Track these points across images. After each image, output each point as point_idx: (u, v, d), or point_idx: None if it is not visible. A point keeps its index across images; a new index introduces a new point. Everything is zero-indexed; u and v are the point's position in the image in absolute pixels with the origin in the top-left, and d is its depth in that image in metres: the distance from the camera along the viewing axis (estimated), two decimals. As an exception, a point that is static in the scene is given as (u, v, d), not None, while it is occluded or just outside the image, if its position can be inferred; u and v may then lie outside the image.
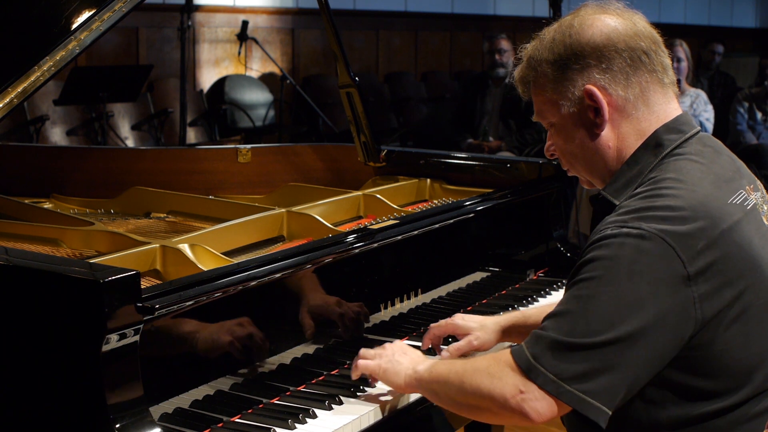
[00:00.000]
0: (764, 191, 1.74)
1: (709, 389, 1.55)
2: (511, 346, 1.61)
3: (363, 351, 1.92)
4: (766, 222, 1.67)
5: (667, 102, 1.70)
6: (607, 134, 1.69)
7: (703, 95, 5.84)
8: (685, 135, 1.68)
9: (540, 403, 1.50)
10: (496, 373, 1.56)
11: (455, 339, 2.14)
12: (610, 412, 1.49)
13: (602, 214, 1.68)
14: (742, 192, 1.64)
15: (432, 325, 2.15)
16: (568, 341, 1.49)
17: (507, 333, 2.11)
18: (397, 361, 1.84)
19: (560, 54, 1.69)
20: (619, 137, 1.69)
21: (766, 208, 1.70)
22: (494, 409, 1.57)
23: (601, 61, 1.66)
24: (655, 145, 1.67)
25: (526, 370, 1.52)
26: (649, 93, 1.68)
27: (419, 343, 2.17)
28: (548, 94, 1.72)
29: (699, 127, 1.74)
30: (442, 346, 2.15)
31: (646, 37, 1.68)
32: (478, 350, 2.11)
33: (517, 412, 1.52)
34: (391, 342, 1.95)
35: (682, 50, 5.77)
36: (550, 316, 1.55)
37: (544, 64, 1.71)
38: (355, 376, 1.91)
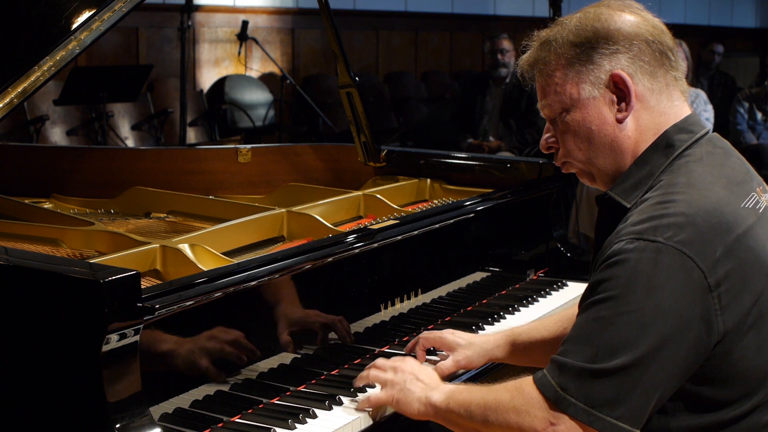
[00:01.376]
0: None
1: (723, 397, 1.53)
2: (533, 374, 1.58)
3: (374, 374, 1.87)
4: None
5: (682, 102, 1.70)
6: (628, 124, 1.66)
7: (702, 95, 5.84)
8: (696, 135, 1.66)
9: None
10: (522, 407, 1.54)
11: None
12: (638, 431, 1.48)
13: (608, 215, 1.65)
14: (753, 195, 1.62)
15: (422, 335, 2.12)
16: (593, 368, 1.47)
17: (496, 353, 2.07)
18: (409, 389, 1.79)
19: (588, 37, 1.66)
20: (639, 129, 1.66)
21: None
22: None
23: (630, 49, 1.64)
24: (665, 145, 1.65)
25: (554, 401, 1.50)
26: (671, 89, 1.67)
27: (402, 352, 2.16)
28: (570, 75, 1.67)
29: (708, 128, 1.71)
30: (428, 357, 2.11)
31: (670, 38, 1.68)
32: (466, 369, 2.08)
33: None
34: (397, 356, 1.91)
35: (682, 50, 5.77)
36: (570, 341, 1.52)
37: (567, 46, 1.67)
38: (364, 406, 1.86)
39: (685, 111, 1.69)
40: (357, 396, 1.90)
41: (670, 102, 1.67)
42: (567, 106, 1.69)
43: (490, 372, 2.16)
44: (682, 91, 1.70)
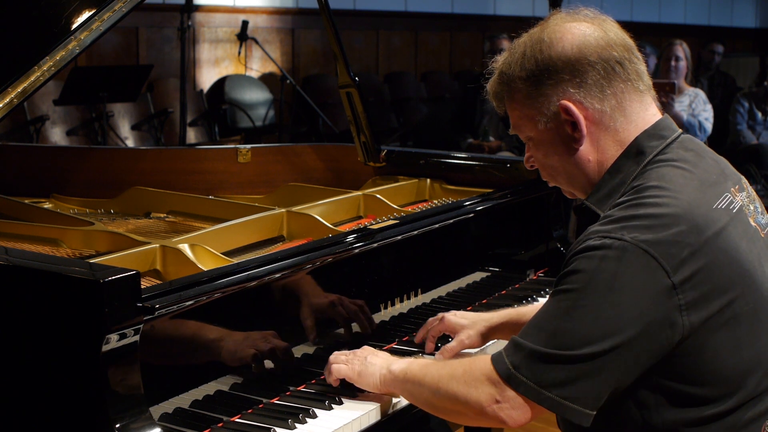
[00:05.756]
0: (750, 189, 1.72)
1: (702, 395, 1.54)
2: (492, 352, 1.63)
3: (333, 356, 1.93)
4: (752, 223, 1.65)
5: (645, 109, 1.68)
6: (586, 148, 1.68)
7: (701, 94, 5.83)
8: (667, 140, 1.66)
9: (516, 411, 1.54)
10: (472, 382, 1.58)
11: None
12: (593, 413, 1.50)
13: (587, 224, 1.66)
14: (727, 195, 1.62)
15: (430, 326, 2.15)
16: (547, 352, 1.50)
17: (499, 330, 2.10)
18: (370, 362, 1.85)
19: (532, 70, 1.66)
20: (599, 150, 1.68)
21: (752, 207, 1.68)
22: (470, 414, 1.60)
23: (574, 75, 1.63)
24: (636, 152, 1.66)
25: (506, 378, 1.53)
26: (625, 103, 1.66)
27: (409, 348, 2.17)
28: (524, 110, 1.70)
29: (680, 130, 1.72)
30: (435, 353, 2.14)
31: (618, 46, 1.65)
32: (470, 348, 2.11)
33: (493, 419, 1.56)
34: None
35: (682, 50, 5.75)
36: (530, 325, 1.57)
37: (517, 81, 1.69)
38: (330, 380, 1.91)
39: (651, 115, 1.69)
40: (357, 396, 1.90)
41: (625, 117, 1.66)
42: (530, 136, 1.74)
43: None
44: (641, 92, 1.67)
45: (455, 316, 2.12)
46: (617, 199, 1.63)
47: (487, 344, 2.15)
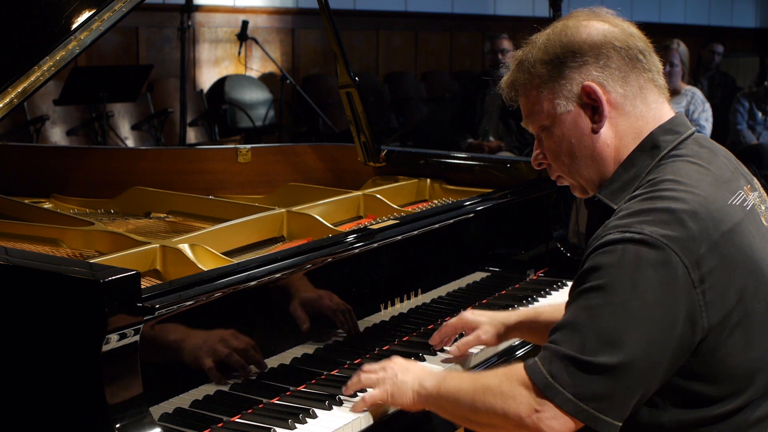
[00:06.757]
0: (761, 190, 1.73)
1: (712, 394, 1.54)
2: (524, 361, 1.59)
3: (364, 376, 1.85)
4: (764, 222, 1.66)
5: (662, 104, 1.71)
6: (605, 132, 1.68)
7: (698, 94, 5.79)
8: (681, 136, 1.67)
9: (556, 421, 1.50)
10: (509, 392, 1.55)
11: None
12: (621, 424, 1.50)
13: (597, 217, 1.66)
14: (741, 192, 1.63)
15: (445, 325, 2.15)
16: (583, 359, 1.48)
17: (517, 329, 2.10)
18: (402, 381, 1.80)
19: (556, 53, 1.68)
20: (618, 136, 1.68)
21: (764, 207, 1.69)
22: (509, 427, 1.57)
23: (598, 59, 1.66)
24: (651, 147, 1.66)
25: (544, 388, 1.51)
26: (646, 91, 1.68)
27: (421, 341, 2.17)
28: (544, 93, 1.70)
29: (694, 128, 1.73)
30: (447, 347, 2.15)
31: (640, 39, 1.70)
32: (486, 344, 2.11)
33: (533, 430, 1.52)
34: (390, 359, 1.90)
35: (677, 54, 5.72)
36: (559, 328, 1.54)
37: (539, 65, 1.70)
38: (360, 407, 1.84)
39: (666, 111, 1.71)
40: (356, 396, 1.90)
41: (646, 105, 1.68)
42: (546, 123, 1.73)
43: (511, 354, 2.22)
44: (659, 87, 1.71)
45: (473, 314, 2.12)
46: (632, 193, 1.63)
47: (503, 344, 2.17)
